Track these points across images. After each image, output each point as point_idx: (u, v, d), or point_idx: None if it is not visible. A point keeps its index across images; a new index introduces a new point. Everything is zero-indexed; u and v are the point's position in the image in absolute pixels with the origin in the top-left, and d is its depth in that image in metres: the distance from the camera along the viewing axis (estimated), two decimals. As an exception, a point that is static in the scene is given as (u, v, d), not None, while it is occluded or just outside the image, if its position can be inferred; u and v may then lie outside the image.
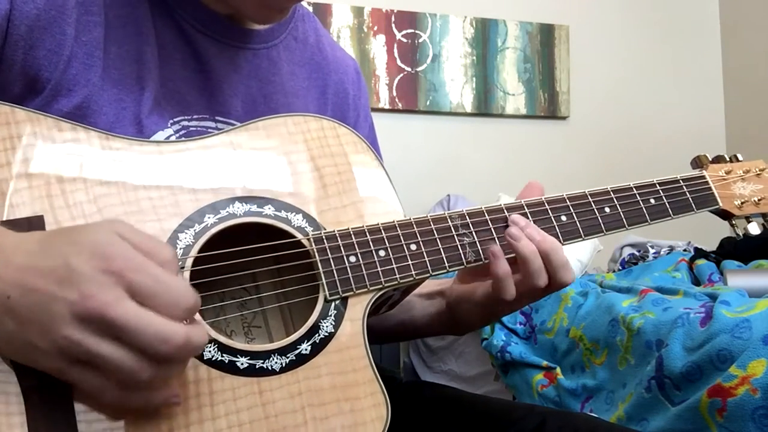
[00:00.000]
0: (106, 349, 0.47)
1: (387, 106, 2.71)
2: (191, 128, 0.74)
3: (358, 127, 0.93)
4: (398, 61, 2.74)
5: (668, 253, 2.16)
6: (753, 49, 3.02)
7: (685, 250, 2.16)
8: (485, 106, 2.83)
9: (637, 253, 2.25)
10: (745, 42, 3.06)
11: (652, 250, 2.23)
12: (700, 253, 2.02)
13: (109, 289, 0.47)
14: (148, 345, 0.47)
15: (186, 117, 0.74)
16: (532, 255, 0.70)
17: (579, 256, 2.27)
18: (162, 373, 0.49)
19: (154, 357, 0.48)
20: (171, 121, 0.73)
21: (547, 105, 2.90)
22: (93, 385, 0.49)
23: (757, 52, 2.99)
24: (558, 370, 1.65)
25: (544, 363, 1.68)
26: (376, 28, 2.72)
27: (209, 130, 0.74)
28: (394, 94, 2.72)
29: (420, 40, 2.77)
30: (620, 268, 2.27)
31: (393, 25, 2.74)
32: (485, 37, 2.85)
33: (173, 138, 0.72)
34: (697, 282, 1.86)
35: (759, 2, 2.98)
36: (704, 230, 2.49)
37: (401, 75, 2.74)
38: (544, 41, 2.91)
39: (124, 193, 0.61)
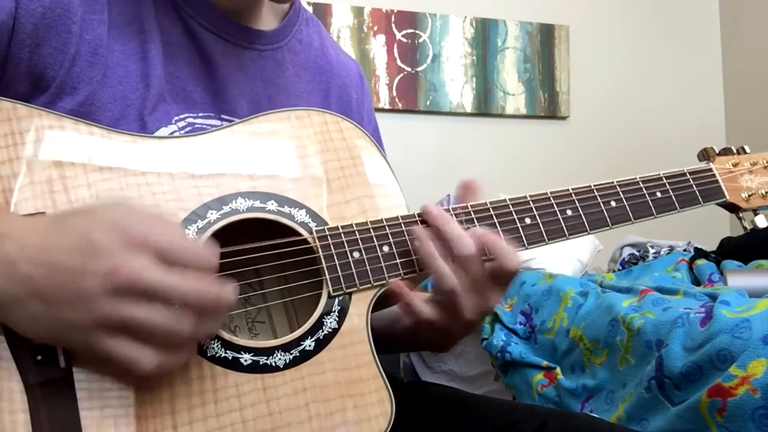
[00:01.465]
0: (146, 313, 0.49)
1: (387, 106, 2.71)
2: (196, 125, 0.74)
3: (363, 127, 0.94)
4: (398, 61, 2.74)
5: (668, 253, 2.16)
6: (753, 49, 3.02)
7: (685, 250, 2.16)
8: (485, 106, 2.83)
9: (637, 253, 2.25)
10: (745, 42, 3.07)
11: (652, 250, 2.23)
12: (700, 253, 2.02)
13: (137, 258, 0.49)
14: (185, 301, 0.49)
15: (192, 114, 0.74)
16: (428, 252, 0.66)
17: (579, 255, 2.27)
18: (200, 326, 0.51)
19: (193, 311, 0.50)
20: (176, 118, 0.73)
21: (547, 105, 2.90)
22: (130, 355, 0.50)
23: (757, 52, 2.99)
24: (558, 370, 1.65)
25: (544, 363, 1.68)
26: (376, 28, 2.72)
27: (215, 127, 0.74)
28: (394, 94, 2.72)
29: (420, 40, 2.77)
30: (620, 268, 2.27)
31: (393, 25, 2.74)
32: (485, 37, 2.85)
33: (177, 135, 0.72)
34: (697, 282, 1.86)
35: (759, 2, 2.98)
36: (704, 230, 2.50)
37: (401, 75, 2.74)
38: (544, 41, 2.91)
39: (127, 189, 0.61)
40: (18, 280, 0.48)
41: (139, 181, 0.61)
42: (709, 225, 2.52)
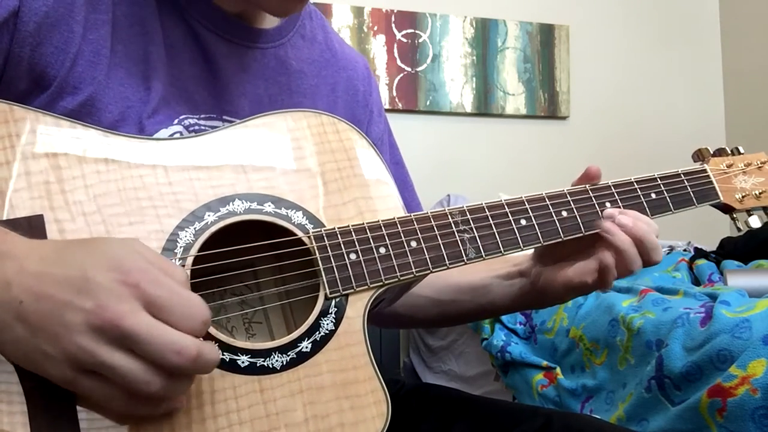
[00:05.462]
0: (118, 360, 0.47)
1: (387, 106, 2.71)
2: (198, 127, 0.74)
3: (373, 123, 0.93)
4: (398, 61, 2.74)
5: (668, 253, 2.15)
6: (753, 49, 3.02)
7: (685, 250, 2.16)
8: (485, 106, 2.83)
9: (637, 253, 2.24)
10: (745, 42, 3.06)
11: (652, 251, 2.22)
12: (700, 253, 2.02)
13: (125, 301, 0.48)
14: (161, 356, 0.47)
15: (194, 116, 0.74)
16: (628, 245, 0.73)
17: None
18: (171, 387, 0.49)
19: (166, 369, 0.48)
20: (177, 120, 0.72)
21: (547, 105, 2.90)
22: (101, 395, 0.49)
23: (757, 53, 2.99)
24: (558, 370, 1.65)
25: (544, 363, 1.68)
26: (376, 28, 2.72)
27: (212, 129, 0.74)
28: (394, 94, 2.72)
29: (420, 40, 2.77)
30: (620, 268, 2.26)
31: (393, 25, 2.74)
32: (485, 37, 2.85)
33: (177, 136, 0.72)
34: (697, 282, 1.86)
35: (759, 2, 2.98)
36: (704, 230, 2.50)
37: (401, 75, 2.74)
38: (544, 41, 2.91)
39: (123, 191, 0.60)
40: (8, 303, 0.48)
41: (136, 184, 0.61)
42: (709, 225, 2.51)
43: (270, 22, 0.82)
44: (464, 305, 0.88)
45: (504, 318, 1.84)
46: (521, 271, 0.84)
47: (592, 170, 0.79)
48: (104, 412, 0.51)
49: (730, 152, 0.88)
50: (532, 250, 0.82)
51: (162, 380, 0.48)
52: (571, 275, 0.76)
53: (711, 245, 2.24)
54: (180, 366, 0.48)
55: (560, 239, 0.75)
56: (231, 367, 0.58)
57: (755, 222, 0.85)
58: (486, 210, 0.72)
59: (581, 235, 0.76)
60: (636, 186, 0.79)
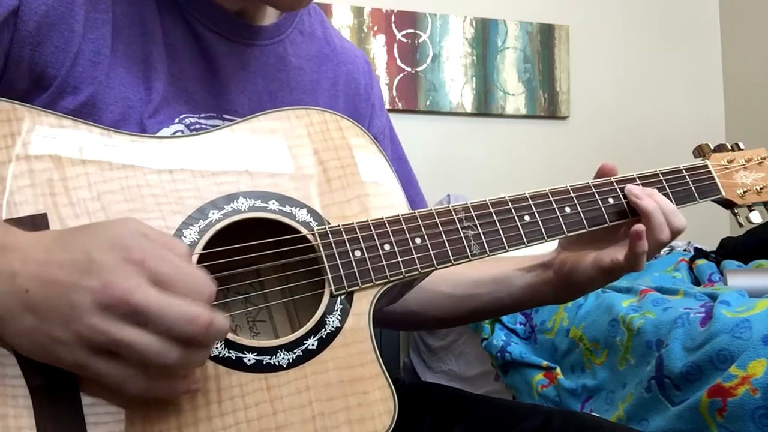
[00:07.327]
0: (131, 335, 0.47)
1: (387, 106, 2.69)
2: (198, 126, 0.74)
3: (375, 117, 0.93)
4: (398, 61, 2.74)
5: (668, 253, 2.16)
6: (753, 49, 3.02)
7: (685, 250, 2.16)
8: (485, 106, 2.83)
9: (637, 253, 2.24)
10: (745, 42, 3.07)
11: (651, 251, 2.22)
12: (700, 253, 2.02)
13: (132, 278, 0.48)
14: (174, 327, 0.48)
15: (194, 115, 0.74)
16: (656, 210, 0.75)
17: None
18: (187, 357, 0.49)
19: (180, 338, 0.48)
20: (178, 119, 0.72)
21: (547, 105, 2.90)
22: (116, 376, 0.49)
23: (757, 53, 2.99)
24: (558, 370, 1.65)
25: (544, 363, 1.68)
26: (376, 28, 2.72)
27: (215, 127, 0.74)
28: (394, 94, 2.72)
29: (420, 40, 2.77)
30: (620, 268, 2.26)
31: (393, 25, 2.74)
32: (485, 37, 2.85)
33: (179, 134, 0.72)
34: (697, 282, 1.86)
35: (759, 3, 2.98)
36: (704, 230, 2.50)
37: (401, 75, 2.74)
38: (544, 41, 2.91)
39: (127, 189, 0.60)
40: (14, 293, 0.48)
41: (140, 182, 0.61)
42: (709, 225, 2.52)
43: (269, 18, 0.82)
44: (482, 299, 0.87)
45: (504, 318, 1.85)
46: (543, 263, 0.84)
47: (606, 167, 0.81)
48: (121, 399, 0.51)
49: (730, 148, 0.89)
50: (557, 243, 0.83)
51: (178, 350, 0.48)
52: (603, 255, 0.76)
53: (711, 245, 2.24)
54: (194, 334, 0.48)
55: (564, 236, 0.75)
56: (237, 364, 0.58)
57: (756, 217, 0.85)
58: (490, 206, 0.72)
59: (585, 231, 0.76)
60: (639, 182, 0.80)
